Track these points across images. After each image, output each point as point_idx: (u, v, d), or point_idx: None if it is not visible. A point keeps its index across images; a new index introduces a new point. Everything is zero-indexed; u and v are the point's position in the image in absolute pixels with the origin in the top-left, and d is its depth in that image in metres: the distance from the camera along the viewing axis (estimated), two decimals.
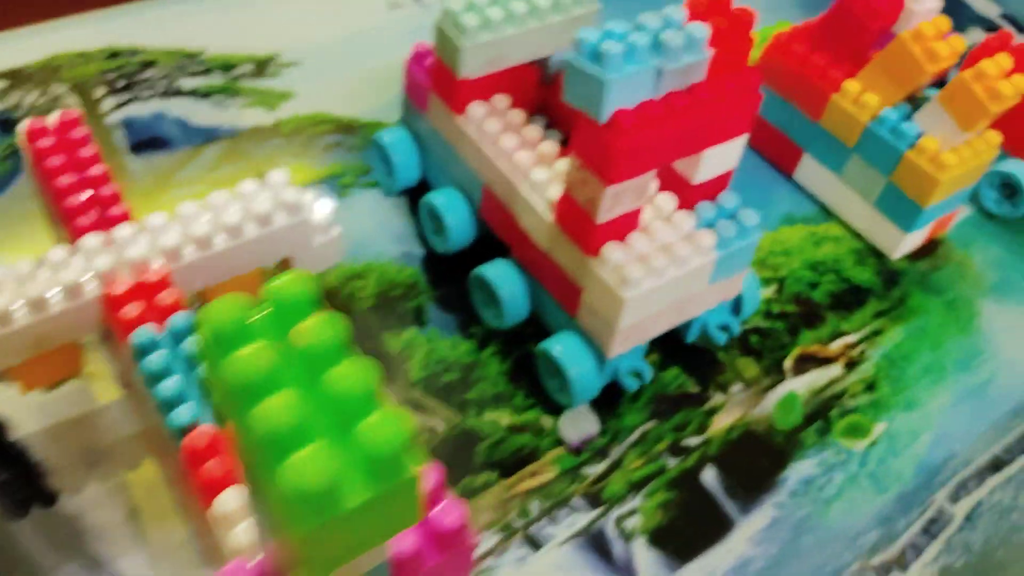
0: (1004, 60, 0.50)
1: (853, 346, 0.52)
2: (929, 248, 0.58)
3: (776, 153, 0.61)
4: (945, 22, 0.52)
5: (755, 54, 0.59)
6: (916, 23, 0.61)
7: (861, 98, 0.54)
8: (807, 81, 0.56)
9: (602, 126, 0.38)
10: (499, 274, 0.47)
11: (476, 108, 0.47)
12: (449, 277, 0.51)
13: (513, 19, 0.46)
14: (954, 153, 0.52)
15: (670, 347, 0.49)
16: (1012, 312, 0.55)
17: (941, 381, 0.51)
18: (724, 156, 0.43)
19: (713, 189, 0.44)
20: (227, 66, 0.61)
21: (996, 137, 0.53)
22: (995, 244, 0.59)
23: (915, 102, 0.55)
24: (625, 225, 0.42)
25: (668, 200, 0.44)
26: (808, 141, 0.58)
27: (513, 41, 0.46)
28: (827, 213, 0.59)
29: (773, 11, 0.73)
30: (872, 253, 0.57)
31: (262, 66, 0.61)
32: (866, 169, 0.55)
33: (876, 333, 0.53)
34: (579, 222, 0.42)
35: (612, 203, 0.40)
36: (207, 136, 0.56)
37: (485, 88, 0.47)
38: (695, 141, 0.40)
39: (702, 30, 0.38)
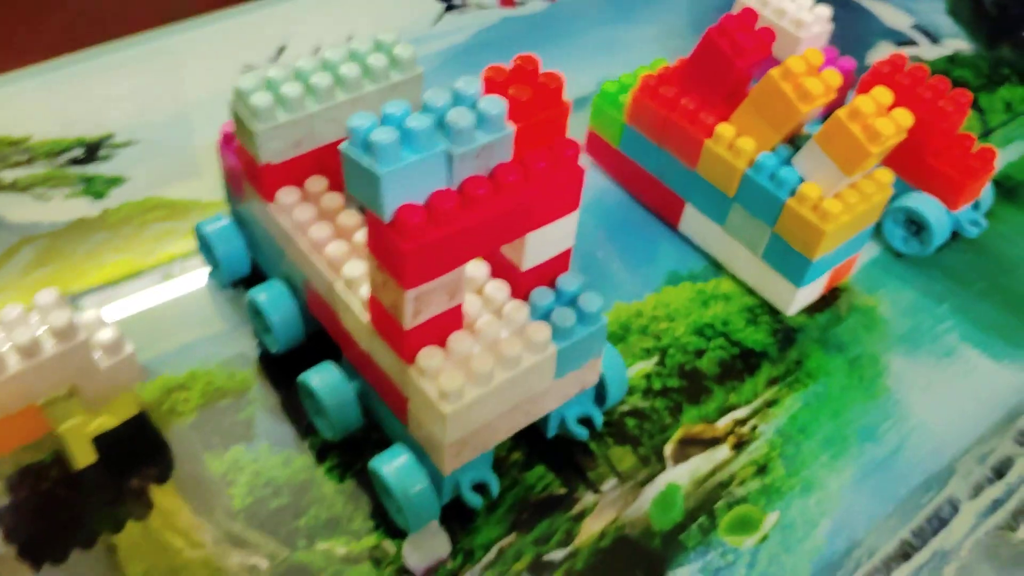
0: (883, 95, 0.45)
1: (743, 422, 0.47)
2: (830, 298, 0.53)
3: (659, 204, 0.56)
4: (817, 56, 0.47)
5: (625, 98, 0.54)
6: (804, 51, 0.57)
7: (736, 143, 0.49)
8: (678, 127, 0.51)
9: (387, 225, 0.33)
10: (323, 380, 0.41)
11: (285, 195, 0.42)
12: (284, 380, 0.46)
13: (317, 94, 0.40)
14: (839, 200, 0.47)
15: (535, 440, 0.44)
16: (923, 365, 0.50)
17: (843, 455, 0.46)
18: (553, 238, 0.37)
19: (550, 272, 0.39)
20: (53, 152, 0.56)
21: (887, 176, 0.48)
22: (906, 287, 0.54)
23: (797, 142, 0.50)
24: (444, 326, 0.37)
25: (499, 289, 0.39)
26: (688, 191, 0.53)
27: (321, 118, 0.41)
28: (717, 267, 0.54)
29: (661, 46, 0.69)
30: (766, 310, 0.52)
31: (93, 149, 0.56)
32: (749, 220, 0.50)
33: (769, 404, 0.47)
34: (390, 326, 0.36)
35: (418, 307, 0.35)
36: (23, 234, 0.51)
37: (296, 171, 0.42)
38: (509, 228, 0.35)
39: (497, 104, 0.33)
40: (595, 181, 0.58)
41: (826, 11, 0.57)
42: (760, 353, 0.49)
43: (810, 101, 0.46)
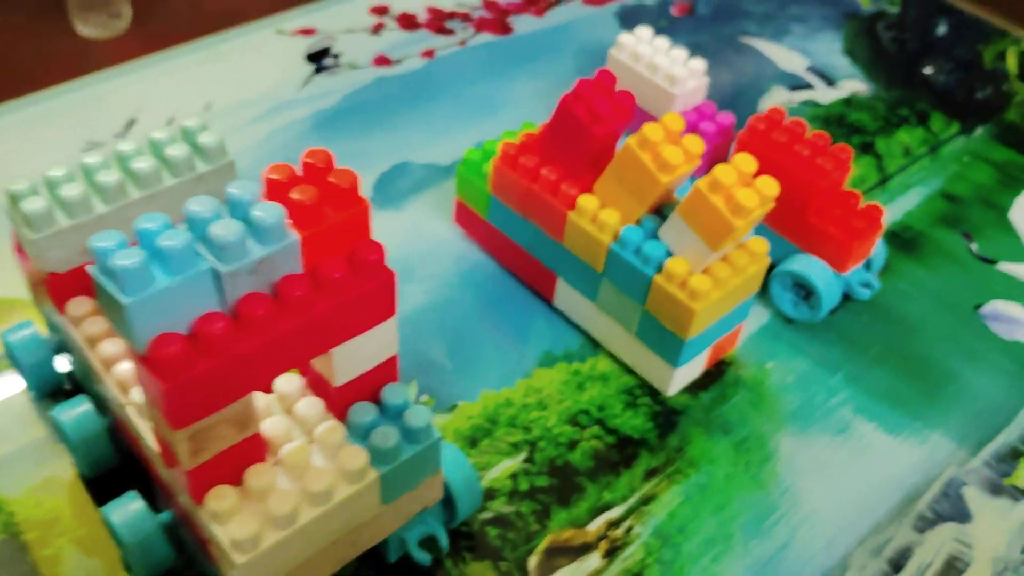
0: (745, 162, 0.42)
1: (617, 523, 0.43)
2: (716, 373, 0.49)
3: (531, 278, 0.51)
4: (676, 121, 0.43)
5: (489, 167, 0.51)
6: (678, 112, 0.53)
7: (599, 216, 0.45)
8: (541, 199, 0.47)
9: (143, 358, 0.28)
10: (123, 514, 0.36)
11: (76, 306, 0.37)
12: (95, 508, 0.41)
13: (105, 193, 0.36)
14: (709, 275, 0.43)
15: (382, 562, 0.40)
16: (815, 445, 0.46)
17: (726, 555, 0.42)
18: (368, 349, 0.33)
19: (372, 383, 0.35)
20: None
21: (762, 245, 0.45)
22: (797, 355, 0.50)
23: (665, 212, 0.46)
24: (238, 459, 0.32)
25: (313, 407, 0.35)
26: (558, 265, 0.49)
27: (112, 219, 0.37)
28: (594, 344, 0.50)
29: (545, 102, 0.65)
30: (646, 391, 0.48)
31: None
32: (619, 297, 0.47)
33: (647, 500, 0.43)
34: (175, 462, 0.32)
35: (197, 444, 0.30)
36: None
37: (88, 279, 0.38)
38: (303, 347, 0.31)
39: (274, 212, 0.29)
40: (466, 253, 0.54)
41: (700, 65, 0.54)
42: (638, 441, 0.45)
43: (670, 171, 0.43)
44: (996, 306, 0.54)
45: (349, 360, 0.33)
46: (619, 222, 0.45)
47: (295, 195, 0.29)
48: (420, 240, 0.55)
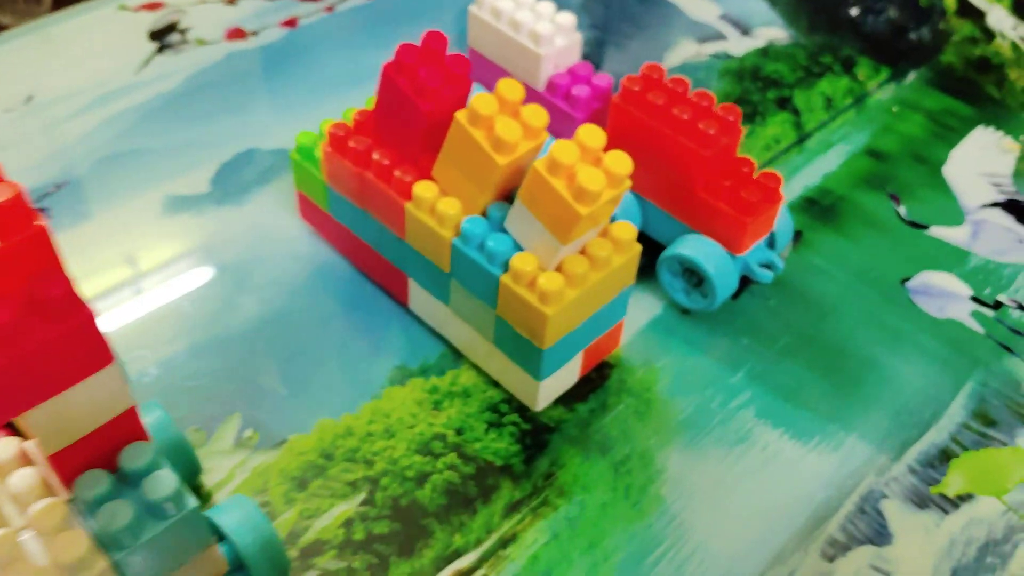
0: (591, 136, 0.34)
1: (467, 575, 0.36)
2: (597, 378, 0.42)
3: (383, 278, 0.44)
4: (514, 90, 0.35)
5: (318, 152, 0.43)
6: (548, 74, 0.46)
7: (438, 206, 0.38)
8: (375, 188, 0.40)
9: None
10: None
11: None
12: None
13: None
14: (563, 273, 0.36)
15: None
16: (708, 460, 0.39)
17: None
18: (77, 409, 0.26)
19: (101, 446, 0.28)
20: None
21: (629, 231, 0.37)
22: (693, 352, 0.43)
23: (515, 197, 0.39)
24: None
25: (29, 480, 0.28)
26: (406, 264, 0.42)
27: None
28: (456, 354, 0.43)
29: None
30: (514, 406, 0.41)
31: None
32: (470, 299, 0.40)
33: (505, 543, 0.37)
34: None
35: None
36: None
37: None
38: None
39: None
40: (313, 253, 0.46)
41: (570, 19, 0.46)
42: (501, 469, 0.39)
43: (508, 151, 0.35)
44: (925, 278, 0.47)
45: (55, 424, 0.26)
46: (460, 212, 0.38)
47: None
48: (262, 240, 0.47)
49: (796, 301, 0.46)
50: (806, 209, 0.50)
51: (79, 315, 0.24)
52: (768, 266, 0.44)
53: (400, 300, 0.44)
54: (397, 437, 0.39)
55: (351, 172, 0.41)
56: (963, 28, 0.63)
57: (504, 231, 0.37)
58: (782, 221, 0.44)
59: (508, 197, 0.39)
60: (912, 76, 0.59)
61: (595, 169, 0.33)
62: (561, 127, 0.47)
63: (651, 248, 0.46)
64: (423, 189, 0.38)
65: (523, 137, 0.35)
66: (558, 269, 0.36)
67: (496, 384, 0.41)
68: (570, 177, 0.34)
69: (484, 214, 0.38)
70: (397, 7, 0.63)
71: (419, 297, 0.42)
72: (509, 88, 0.36)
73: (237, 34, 0.60)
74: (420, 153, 0.39)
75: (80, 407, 0.26)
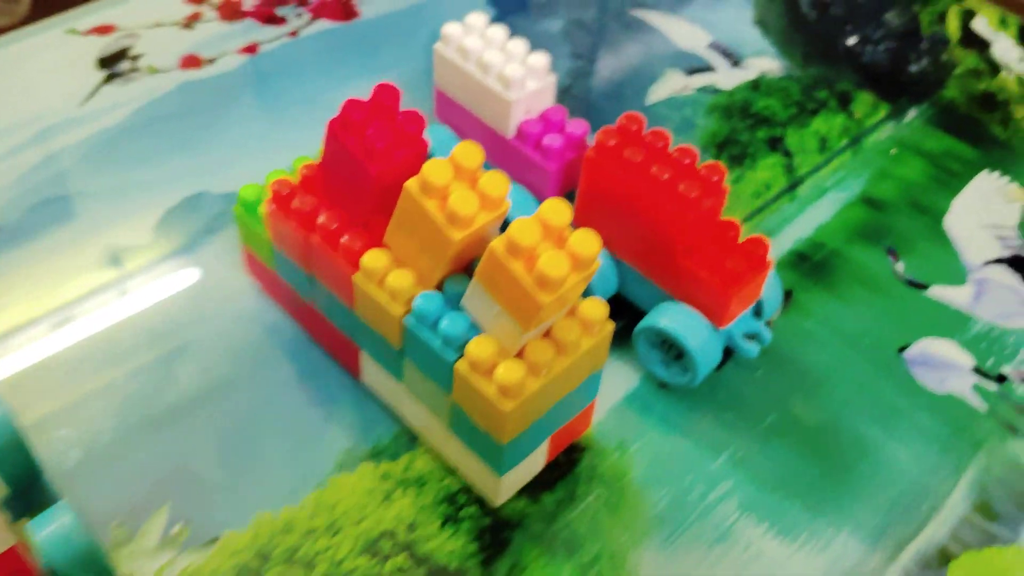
0: (557, 213, 0.31)
1: None
2: (565, 464, 0.38)
3: (333, 347, 0.40)
4: (472, 155, 0.31)
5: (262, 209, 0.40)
6: (518, 121, 0.42)
7: (388, 279, 0.35)
8: (321, 254, 0.36)
9: None
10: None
11: None
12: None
13: None
14: (523, 362, 0.32)
15: None
16: (685, 561, 0.35)
17: None
18: None
19: None
20: None
21: (600, 310, 0.34)
22: (671, 432, 0.39)
23: (473, 267, 0.35)
24: None
25: None
26: (357, 335, 0.38)
27: None
28: (411, 435, 0.39)
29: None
30: (472, 498, 0.37)
31: None
32: (424, 381, 0.36)
33: None
34: None
35: None
36: None
37: None
38: None
39: None
40: (261, 314, 0.42)
41: (542, 61, 0.43)
42: (455, 573, 0.35)
43: (463, 225, 0.32)
44: (925, 347, 0.44)
45: None
46: (413, 286, 0.34)
47: None
48: (206, 298, 0.43)
49: (784, 372, 0.42)
50: (797, 265, 0.46)
51: None
52: (753, 337, 0.40)
53: (352, 372, 0.40)
54: (342, 534, 0.36)
55: (295, 235, 0.37)
56: (967, 59, 0.59)
57: (461, 309, 0.34)
58: (770, 286, 0.41)
59: (467, 269, 0.35)
60: (912, 113, 0.56)
61: (558, 253, 0.30)
62: (532, 178, 0.44)
63: (628, 312, 0.42)
64: (372, 259, 0.34)
65: (480, 209, 0.32)
66: (520, 354, 0.33)
67: (451, 472, 0.38)
68: (530, 260, 0.30)
69: (440, 288, 0.34)
70: (366, 32, 0.59)
71: (372, 371, 0.39)
72: (466, 153, 0.32)
73: (192, 62, 0.56)
74: (371, 216, 0.36)
75: None
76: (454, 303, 0.34)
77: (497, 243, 0.30)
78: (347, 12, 0.60)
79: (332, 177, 0.36)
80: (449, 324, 0.33)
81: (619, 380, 0.41)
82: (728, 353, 0.42)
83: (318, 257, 0.37)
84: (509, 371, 0.31)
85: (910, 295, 0.46)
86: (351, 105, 0.33)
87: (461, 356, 0.33)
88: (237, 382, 0.40)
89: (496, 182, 0.32)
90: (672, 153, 0.38)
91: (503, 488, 0.36)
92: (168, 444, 0.38)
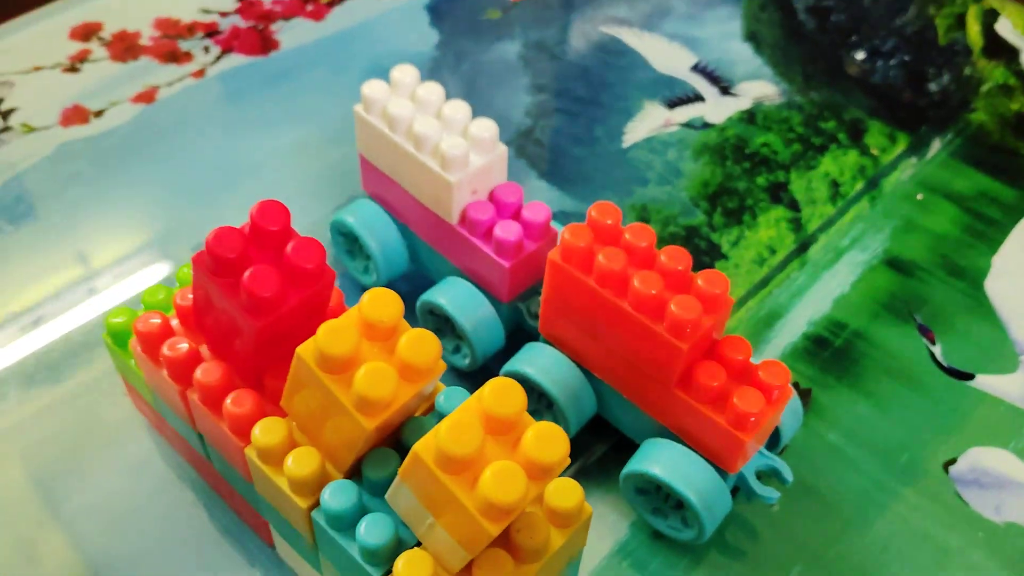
0: (502, 400, 0.22)
1: None
2: None
3: (241, 512, 0.31)
4: (384, 306, 0.23)
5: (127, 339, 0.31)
6: (462, 205, 0.34)
7: (290, 462, 0.26)
8: (205, 417, 0.27)
9: None
10: None
11: None
12: None
13: None
14: None
15: None
16: None
17: None
18: None
19: None
20: None
21: (571, 495, 0.25)
22: None
23: (404, 441, 0.27)
24: None
25: None
26: (263, 510, 0.30)
27: None
28: None
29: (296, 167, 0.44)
30: None
31: None
32: None
33: None
34: None
35: None
36: None
37: None
38: None
39: None
40: (151, 457, 0.33)
41: (490, 129, 0.34)
42: None
43: (377, 412, 0.24)
44: (975, 459, 0.35)
45: None
46: (321, 471, 0.26)
47: None
48: (83, 440, 0.34)
49: (807, 505, 0.34)
50: (814, 355, 0.38)
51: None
52: (772, 475, 0.32)
53: (265, 540, 0.32)
54: None
55: (172, 388, 0.29)
56: (994, 73, 0.51)
57: (383, 512, 0.25)
58: (788, 408, 0.33)
59: (391, 440, 0.27)
60: (936, 146, 0.47)
61: (511, 466, 0.21)
62: (482, 271, 0.35)
63: (613, 436, 0.34)
64: (266, 434, 0.26)
65: (401, 385, 0.23)
66: (468, 571, 0.24)
67: None
68: (474, 474, 0.22)
69: (357, 470, 0.26)
70: (286, 68, 0.49)
71: (287, 549, 0.31)
72: (379, 306, 0.23)
73: (76, 115, 0.46)
74: (262, 368, 0.27)
75: None
76: (378, 491, 0.26)
77: (425, 448, 0.22)
78: (264, 44, 0.51)
79: (209, 319, 0.27)
80: (368, 530, 0.24)
81: (604, 528, 0.33)
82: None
83: (201, 419, 0.28)
84: None
85: (953, 388, 0.38)
86: (222, 236, 0.24)
87: (388, 572, 0.25)
88: (123, 557, 0.31)
89: (422, 346, 0.23)
90: (661, 259, 0.30)
91: None
92: None
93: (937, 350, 0.39)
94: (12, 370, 0.36)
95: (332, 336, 0.23)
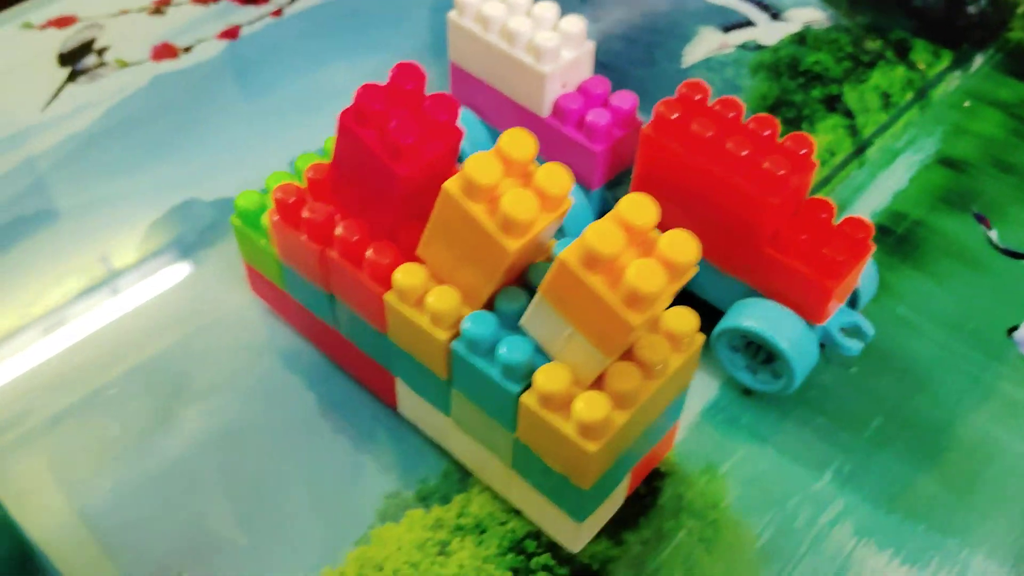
0: (638, 211, 0.25)
1: None
2: (648, 496, 0.33)
3: (363, 375, 0.34)
4: (523, 145, 0.25)
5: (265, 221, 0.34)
6: (554, 97, 0.36)
7: (428, 299, 0.29)
8: (342, 270, 0.30)
9: None
10: None
11: None
12: None
13: None
14: (605, 394, 0.26)
15: None
16: None
17: None
18: None
19: None
20: None
21: (689, 321, 0.28)
22: (764, 447, 0.33)
23: (532, 280, 0.29)
24: None
25: None
26: (391, 362, 0.32)
27: None
28: (462, 472, 0.34)
29: None
30: (542, 542, 0.31)
31: None
32: (479, 416, 0.30)
33: None
34: None
35: None
36: None
37: None
38: None
39: None
40: (273, 340, 0.36)
41: (578, 24, 0.37)
42: None
43: (520, 232, 0.26)
44: None
45: None
46: (459, 305, 0.29)
47: None
48: (205, 325, 0.37)
49: (883, 367, 0.36)
50: (878, 241, 0.41)
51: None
52: (854, 333, 0.35)
53: (387, 401, 0.35)
54: None
55: (309, 249, 0.31)
56: None
57: (520, 331, 0.28)
58: (866, 271, 0.35)
59: (520, 280, 0.29)
60: (978, 60, 0.50)
61: (650, 261, 0.24)
62: (573, 161, 0.37)
63: (701, 309, 0.37)
64: (407, 276, 0.29)
65: (539, 211, 0.26)
66: (599, 382, 0.27)
67: (516, 512, 0.32)
68: (613, 274, 0.24)
69: (490, 306, 0.29)
70: (359, 5, 0.53)
71: (410, 402, 0.33)
72: (516, 143, 0.26)
73: (166, 51, 0.50)
74: (400, 224, 0.30)
75: None
76: (510, 323, 0.28)
77: (570, 255, 0.24)
78: None
79: (347, 180, 0.30)
80: (509, 350, 0.27)
81: (695, 389, 0.35)
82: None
83: (338, 275, 0.31)
84: (591, 406, 0.26)
85: (1009, 267, 0.40)
86: (367, 92, 0.27)
87: (527, 387, 0.27)
88: (250, 422, 0.34)
89: (556, 177, 0.26)
90: (748, 124, 0.32)
91: (583, 533, 0.30)
92: (176, 503, 0.32)
93: (993, 234, 0.41)
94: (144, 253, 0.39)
95: (478, 166, 0.25)
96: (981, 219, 0.42)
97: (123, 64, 0.49)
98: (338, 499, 0.32)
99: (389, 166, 0.27)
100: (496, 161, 0.26)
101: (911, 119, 0.46)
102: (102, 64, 0.49)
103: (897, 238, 0.41)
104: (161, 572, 0.30)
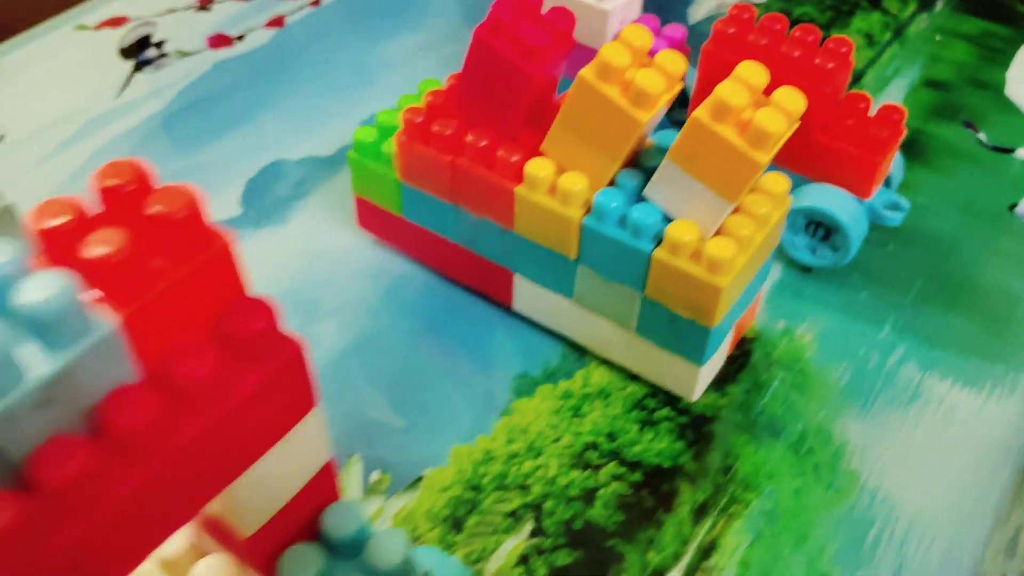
0: (753, 72, 0.31)
1: None
2: (741, 357, 0.38)
3: (479, 280, 0.39)
4: (641, 35, 0.32)
5: (390, 146, 0.38)
6: (615, 32, 0.42)
7: (560, 184, 0.33)
8: (473, 176, 0.35)
9: None
10: None
11: None
12: None
13: None
14: (728, 237, 0.32)
15: None
16: (888, 425, 0.35)
17: None
18: (281, 467, 0.21)
19: (299, 513, 0.22)
20: None
21: (781, 184, 0.34)
22: (829, 312, 0.39)
23: (643, 163, 0.35)
24: None
25: (217, 569, 0.22)
26: (513, 259, 0.37)
27: None
28: (578, 351, 0.38)
29: (434, 57, 0.53)
30: (661, 399, 0.36)
31: None
32: (606, 287, 0.35)
33: (707, 552, 0.32)
34: None
35: None
36: None
37: None
38: (165, 500, 0.18)
39: (56, 287, 0.16)
40: (382, 264, 0.41)
41: None
42: (672, 471, 0.34)
43: (650, 105, 0.31)
44: None
45: (256, 494, 0.20)
46: (588, 187, 0.33)
47: (95, 248, 0.17)
48: (318, 260, 0.41)
49: (913, 243, 0.42)
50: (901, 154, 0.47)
51: (287, 350, 0.19)
52: (893, 207, 0.40)
53: (501, 302, 0.39)
54: (545, 454, 0.34)
55: (438, 162, 0.35)
56: None
57: (644, 201, 0.33)
58: (896, 159, 0.41)
59: (632, 164, 0.34)
60: (940, 4, 0.58)
61: (770, 109, 0.29)
62: None
63: None
64: (537, 167, 0.33)
65: (665, 88, 0.31)
66: (720, 234, 0.32)
67: (635, 378, 0.37)
68: (740, 123, 0.29)
69: (613, 185, 0.33)
70: None
71: (527, 295, 0.37)
72: (636, 34, 0.31)
73: (221, 41, 0.53)
74: (523, 128, 0.34)
75: (283, 467, 0.20)
76: (633, 197, 0.33)
77: (700, 112, 0.29)
78: None
79: (476, 92, 0.34)
80: (640, 215, 0.32)
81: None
82: None
83: (467, 181, 0.35)
84: (719, 247, 0.31)
85: (1000, 159, 0.47)
86: (499, 6, 0.32)
87: (657, 245, 0.32)
88: (381, 333, 0.38)
89: (673, 58, 0.31)
90: (794, 33, 0.38)
91: (701, 380, 0.35)
92: (334, 399, 0.35)
93: (982, 136, 0.48)
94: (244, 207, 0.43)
95: (610, 52, 0.30)
96: (969, 125, 0.48)
97: (183, 54, 0.52)
98: (473, 384, 0.36)
99: (522, 68, 0.32)
100: (624, 48, 0.31)
101: (894, 53, 0.53)
102: (163, 55, 0.52)
103: (904, 145, 0.47)
104: (337, 454, 0.34)
